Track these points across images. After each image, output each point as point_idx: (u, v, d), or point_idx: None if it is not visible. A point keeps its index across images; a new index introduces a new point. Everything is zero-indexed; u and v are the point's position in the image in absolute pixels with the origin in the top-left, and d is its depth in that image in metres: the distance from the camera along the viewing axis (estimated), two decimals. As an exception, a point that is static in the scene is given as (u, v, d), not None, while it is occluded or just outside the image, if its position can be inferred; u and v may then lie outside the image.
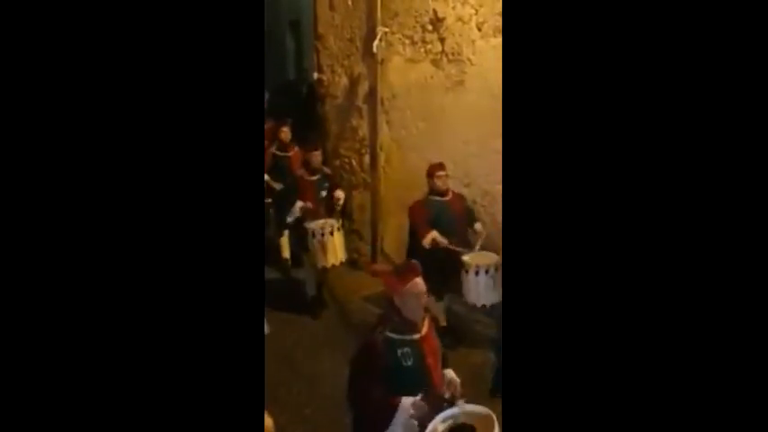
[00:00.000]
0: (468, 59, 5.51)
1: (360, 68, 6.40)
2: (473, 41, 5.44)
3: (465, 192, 5.66)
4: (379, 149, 6.36)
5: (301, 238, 5.57)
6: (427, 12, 5.73)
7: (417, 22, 5.85)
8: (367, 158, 6.53)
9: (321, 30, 6.80)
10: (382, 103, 6.26)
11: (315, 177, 5.70)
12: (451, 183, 5.77)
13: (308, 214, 5.53)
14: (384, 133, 6.32)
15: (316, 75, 6.99)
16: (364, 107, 6.47)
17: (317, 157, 5.75)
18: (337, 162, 6.86)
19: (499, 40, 5.19)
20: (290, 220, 5.63)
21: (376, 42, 6.00)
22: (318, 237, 5.37)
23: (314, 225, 5.42)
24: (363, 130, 6.52)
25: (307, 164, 5.78)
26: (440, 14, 5.64)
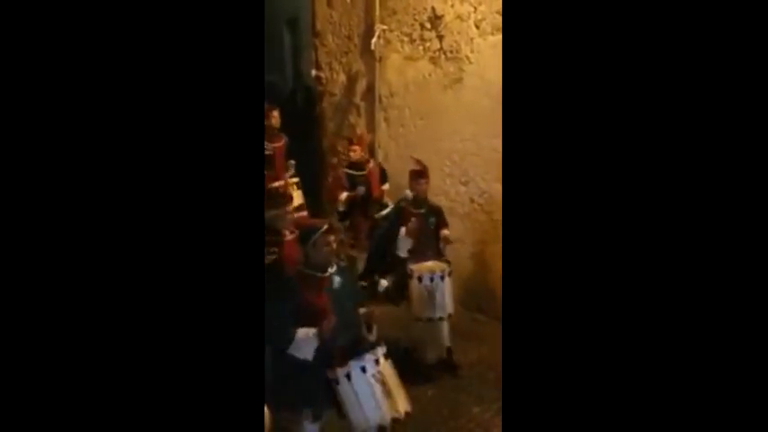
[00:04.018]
0: (467, 57, 5.51)
1: (358, 66, 6.41)
2: (471, 39, 5.44)
3: (462, 190, 5.67)
4: (377, 147, 6.36)
5: (401, 282, 4.56)
6: (426, 9, 5.74)
7: (416, 19, 5.85)
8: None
9: (319, 27, 6.80)
10: (380, 101, 6.27)
11: (421, 210, 4.72)
12: (449, 181, 5.80)
13: (413, 252, 4.60)
14: (382, 131, 6.32)
15: (314, 72, 6.98)
16: (362, 105, 6.48)
17: (424, 186, 4.74)
18: (335, 159, 6.86)
19: (497, 37, 5.20)
20: (402, 254, 4.61)
21: (374, 40, 6.01)
22: (426, 283, 4.34)
23: (421, 268, 4.43)
24: (361, 128, 6.52)
25: (414, 194, 4.76)
26: (438, 12, 5.64)
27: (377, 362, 2.92)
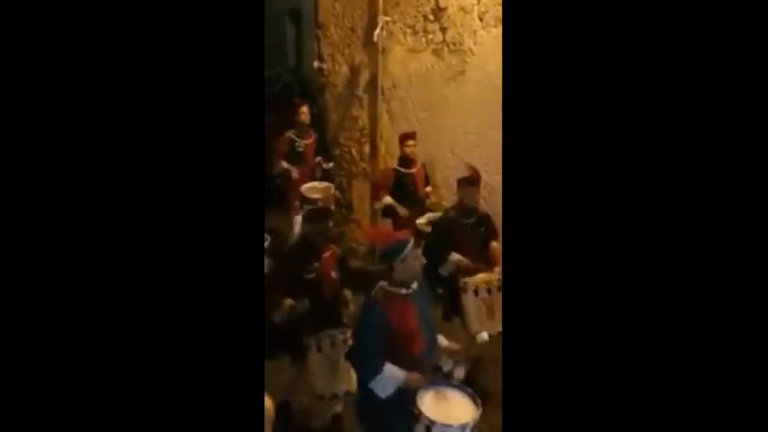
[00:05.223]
0: (470, 49, 5.49)
1: (360, 58, 6.37)
2: (474, 31, 5.43)
3: (465, 182, 5.65)
4: (379, 139, 6.35)
5: (452, 296, 4.29)
6: (429, 1, 5.71)
7: (419, 11, 5.83)
8: (367, 148, 6.52)
9: (322, 18, 6.76)
10: (383, 93, 6.25)
11: (471, 220, 4.40)
12: (451, 173, 5.79)
13: (464, 269, 4.31)
14: (384, 123, 6.30)
15: (316, 63, 6.95)
16: (365, 97, 6.45)
17: (475, 194, 4.40)
18: (337, 151, 6.84)
19: (500, 30, 5.18)
20: (444, 273, 4.30)
21: (377, 32, 5.97)
22: (483, 295, 4.11)
23: (475, 280, 4.18)
24: (364, 120, 6.50)
25: (461, 202, 4.44)
26: (441, 4, 5.62)
27: (473, 429, 2.76)
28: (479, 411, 2.76)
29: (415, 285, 2.98)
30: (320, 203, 5.23)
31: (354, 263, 5.58)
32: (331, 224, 3.95)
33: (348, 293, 3.90)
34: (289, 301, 3.64)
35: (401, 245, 2.92)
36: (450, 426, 2.70)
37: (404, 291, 2.94)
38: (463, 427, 2.70)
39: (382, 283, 2.98)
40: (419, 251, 2.98)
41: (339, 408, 3.98)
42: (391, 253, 2.91)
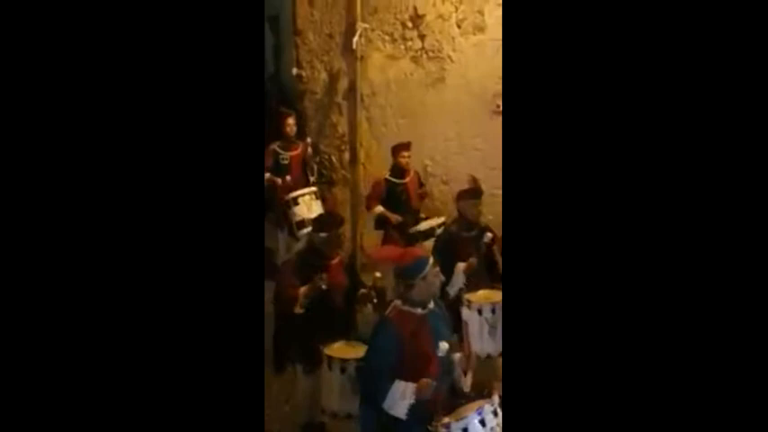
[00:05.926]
0: (449, 56, 5.53)
1: (339, 65, 6.38)
2: (453, 38, 5.48)
3: (444, 189, 5.67)
4: (358, 146, 6.35)
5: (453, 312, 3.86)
6: (407, 8, 5.75)
7: (397, 18, 5.86)
8: (347, 155, 6.51)
9: (300, 25, 6.75)
10: (362, 100, 6.25)
11: (472, 233, 4.19)
12: (431, 180, 5.80)
13: (470, 281, 4.08)
14: (364, 130, 6.30)
15: (295, 70, 6.93)
16: (344, 104, 6.45)
17: (477, 207, 4.20)
18: (317, 159, 6.82)
19: (479, 37, 5.23)
20: (452, 292, 4.00)
21: (356, 39, 5.98)
22: (488, 314, 3.90)
23: (478, 297, 3.98)
24: (343, 127, 6.50)
25: (462, 216, 4.25)
26: (420, 11, 5.66)
27: (495, 413, 2.62)
28: (495, 397, 2.67)
29: (431, 305, 2.87)
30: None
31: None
32: (341, 232, 3.76)
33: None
34: (304, 289, 3.46)
35: (421, 262, 2.81)
36: (465, 417, 2.61)
37: (419, 310, 2.82)
38: (479, 410, 2.61)
39: (396, 302, 2.86)
40: (438, 269, 2.86)
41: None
42: (411, 271, 2.79)
